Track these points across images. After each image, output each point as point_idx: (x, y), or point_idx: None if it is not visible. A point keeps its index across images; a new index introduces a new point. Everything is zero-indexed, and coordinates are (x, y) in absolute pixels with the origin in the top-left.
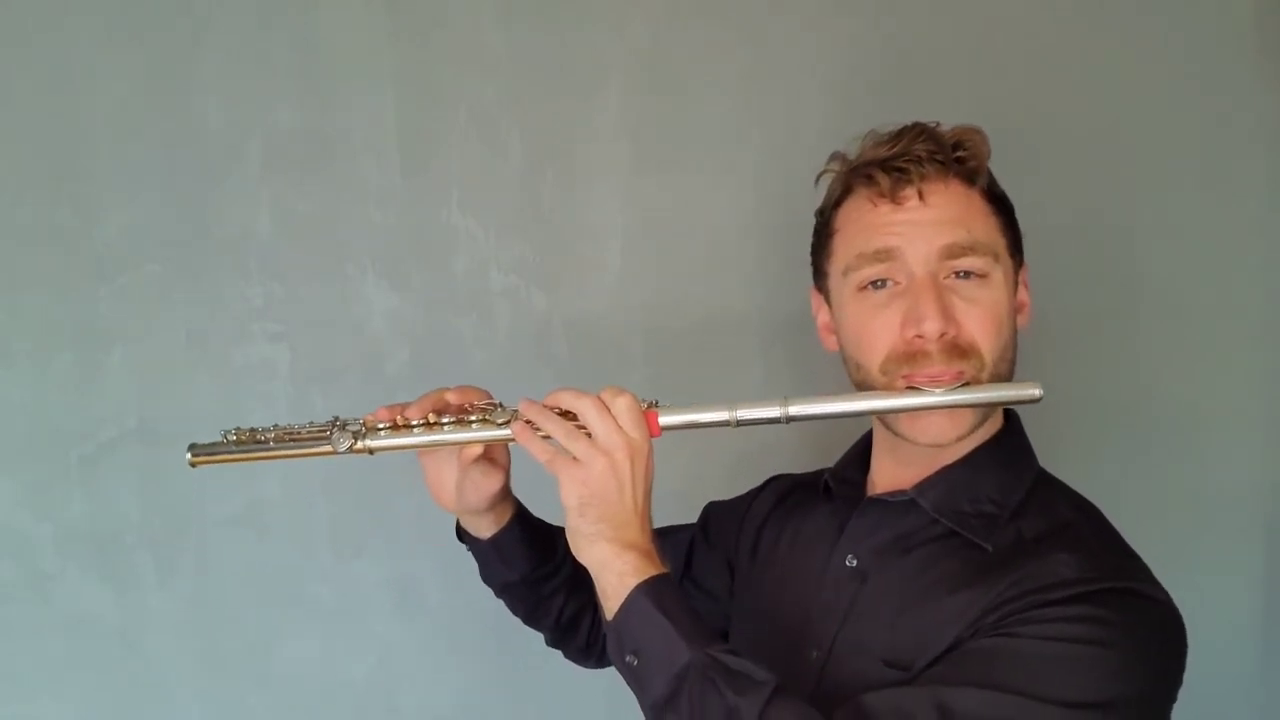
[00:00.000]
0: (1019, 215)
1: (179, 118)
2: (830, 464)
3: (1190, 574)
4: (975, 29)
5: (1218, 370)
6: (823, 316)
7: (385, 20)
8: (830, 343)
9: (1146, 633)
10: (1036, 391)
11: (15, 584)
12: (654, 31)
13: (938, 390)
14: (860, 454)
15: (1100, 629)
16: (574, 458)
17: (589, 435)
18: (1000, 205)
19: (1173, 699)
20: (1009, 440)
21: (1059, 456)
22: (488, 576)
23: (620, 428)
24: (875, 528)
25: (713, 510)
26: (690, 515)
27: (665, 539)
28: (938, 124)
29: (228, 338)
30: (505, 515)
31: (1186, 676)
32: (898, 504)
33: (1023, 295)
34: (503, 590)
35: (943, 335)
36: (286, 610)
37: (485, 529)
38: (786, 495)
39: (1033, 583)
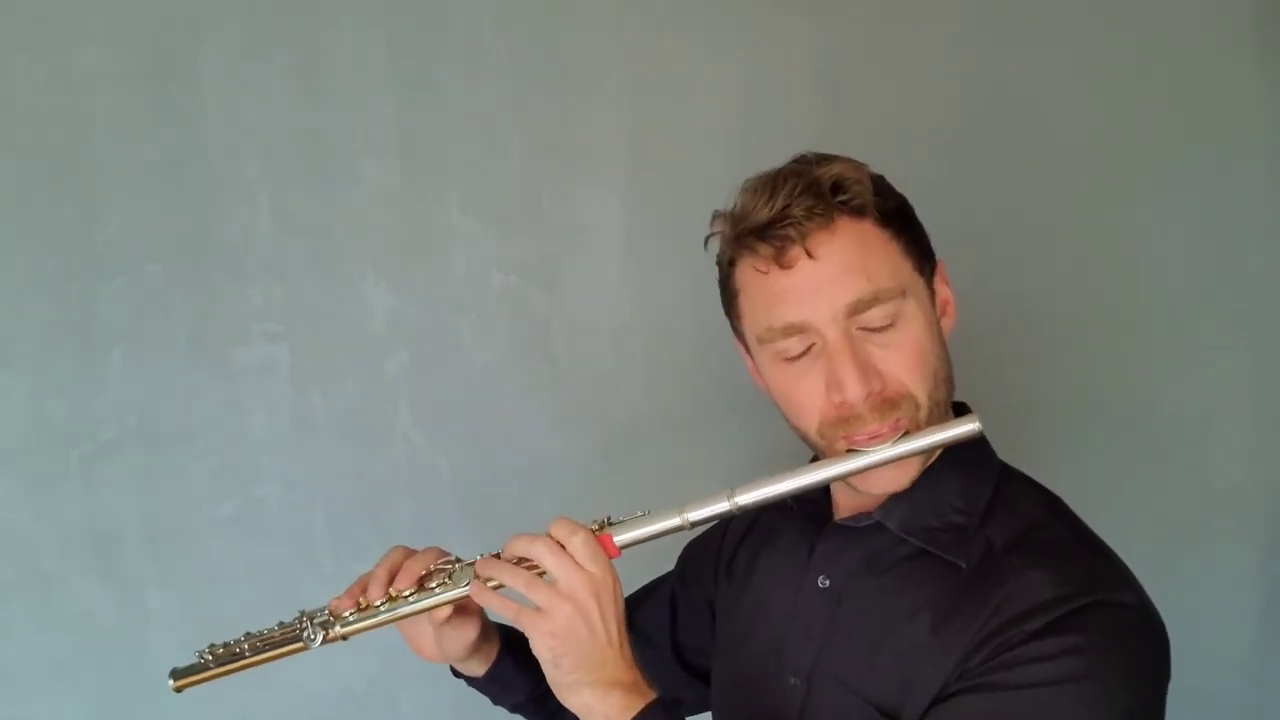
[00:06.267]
0: (1018, 215)
1: (179, 118)
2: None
3: (1190, 574)
4: (974, 30)
5: (1217, 371)
6: (749, 361)
7: (385, 20)
8: (762, 385)
9: (1125, 646)
10: (976, 427)
11: (15, 584)
12: (654, 32)
13: (878, 448)
14: None
15: (1080, 661)
16: (538, 609)
17: (551, 579)
18: (897, 224)
19: (1164, 693)
20: (966, 443)
21: (1059, 458)
22: (495, 702)
23: (578, 565)
24: (843, 550)
25: (689, 553)
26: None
27: (649, 599)
28: (816, 159)
29: (228, 338)
30: (493, 651)
31: (1186, 678)
32: (863, 528)
33: (944, 294)
34: (514, 710)
35: (869, 395)
36: (287, 611)
37: (477, 668)
38: (760, 514)
39: (1010, 610)
